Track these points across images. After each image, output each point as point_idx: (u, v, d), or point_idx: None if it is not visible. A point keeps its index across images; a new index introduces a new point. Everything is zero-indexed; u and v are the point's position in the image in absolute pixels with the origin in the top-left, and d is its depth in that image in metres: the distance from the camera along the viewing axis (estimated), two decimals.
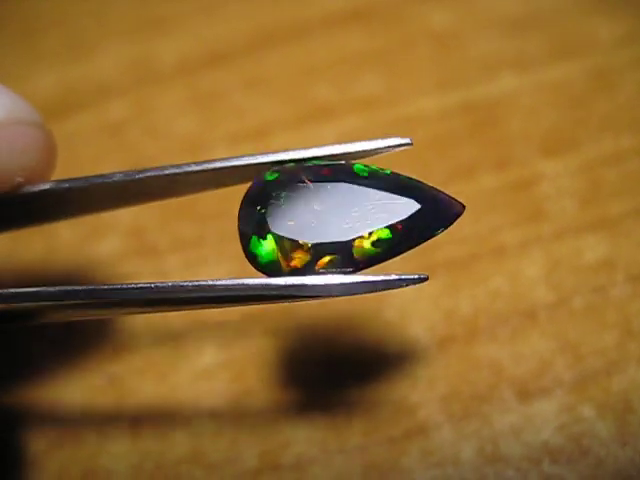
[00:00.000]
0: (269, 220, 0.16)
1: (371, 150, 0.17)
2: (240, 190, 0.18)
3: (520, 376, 0.23)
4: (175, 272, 0.26)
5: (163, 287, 0.16)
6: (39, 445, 0.23)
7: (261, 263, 0.16)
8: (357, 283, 0.16)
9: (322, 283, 0.16)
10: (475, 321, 0.24)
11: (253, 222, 0.16)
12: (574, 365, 0.23)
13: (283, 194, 0.16)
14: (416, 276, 0.16)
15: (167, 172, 0.18)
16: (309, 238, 0.16)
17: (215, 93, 0.30)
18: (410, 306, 0.25)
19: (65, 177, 0.18)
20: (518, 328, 0.24)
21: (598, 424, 0.22)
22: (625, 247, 0.25)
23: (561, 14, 0.31)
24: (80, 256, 0.27)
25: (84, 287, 0.17)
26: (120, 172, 0.18)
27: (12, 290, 0.17)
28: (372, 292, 0.16)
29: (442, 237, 0.25)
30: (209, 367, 0.24)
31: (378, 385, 0.23)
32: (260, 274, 0.17)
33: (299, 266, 0.16)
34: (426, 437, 0.23)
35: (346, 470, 0.22)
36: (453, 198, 0.17)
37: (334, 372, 0.24)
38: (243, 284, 0.16)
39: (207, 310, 0.25)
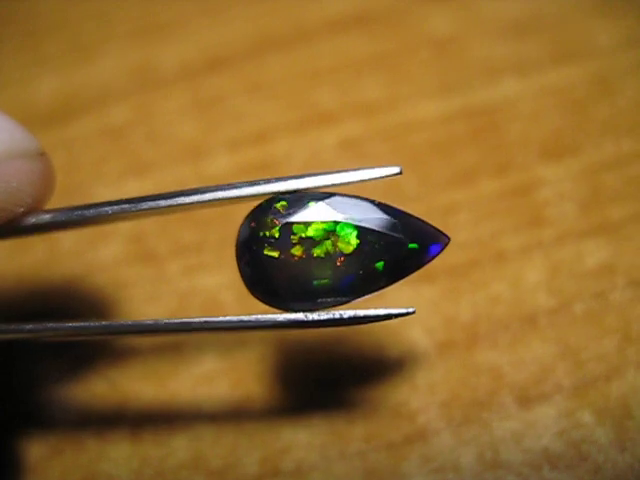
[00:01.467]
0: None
1: (361, 181, 0.17)
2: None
3: (520, 382, 0.23)
4: (175, 277, 0.26)
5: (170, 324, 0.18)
6: (40, 451, 0.23)
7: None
8: (349, 318, 0.17)
9: (322, 319, 0.17)
10: (475, 327, 0.24)
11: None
12: (574, 371, 0.23)
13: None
14: (404, 310, 0.18)
15: (162, 204, 0.18)
16: None
17: (216, 98, 0.30)
18: None
19: (60, 206, 0.18)
20: (518, 334, 0.24)
21: (597, 430, 0.22)
22: (626, 252, 0.25)
23: (562, 18, 0.31)
24: (81, 261, 0.27)
25: (90, 324, 0.18)
26: (116, 204, 0.18)
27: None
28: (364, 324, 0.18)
29: None
30: (209, 372, 0.24)
31: (378, 390, 0.23)
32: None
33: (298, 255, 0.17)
34: (426, 443, 0.23)
35: (346, 476, 0.22)
36: (439, 230, 0.18)
37: (334, 377, 0.24)
38: (245, 321, 0.17)
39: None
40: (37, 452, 0.23)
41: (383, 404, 0.23)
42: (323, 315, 0.17)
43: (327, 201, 0.17)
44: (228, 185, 0.17)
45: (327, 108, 0.30)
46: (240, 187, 0.17)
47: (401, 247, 0.17)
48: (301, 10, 0.32)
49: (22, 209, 0.18)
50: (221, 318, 0.17)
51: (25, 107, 0.31)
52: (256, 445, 0.23)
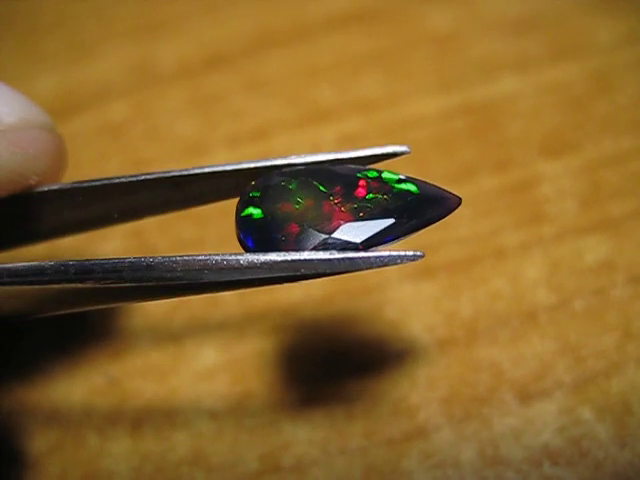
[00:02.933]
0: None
1: (370, 157, 0.17)
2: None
3: (520, 378, 0.23)
4: None
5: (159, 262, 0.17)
6: (40, 447, 0.23)
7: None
8: (359, 258, 0.16)
9: (325, 258, 0.16)
10: (475, 323, 0.24)
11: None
12: (574, 367, 0.23)
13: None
14: (411, 253, 0.16)
15: (170, 175, 0.18)
16: None
17: (216, 95, 0.30)
18: (410, 307, 0.25)
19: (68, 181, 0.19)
20: (518, 330, 0.24)
21: (597, 426, 0.22)
22: (626, 248, 0.25)
23: (561, 15, 0.31)
24: (80, 257, 0.26)
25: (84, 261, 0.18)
26: (123, 175, 0.18)
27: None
28: (370, 268, 0.16)
29: (442, 238, 0.26)
30: (209, 368, 0.24)
31: (378, 386, 0.23)
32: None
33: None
34: (426, 439, 0.23)
35: (346, 472, 0.22)
36: (451, 192, 0.17)
37: (334, 373, 0.24)
38: (250, 260, 0.16)
39: (207, 310, 0.25)
40: (38, 448, 0.23)
41: (383, 400, 0.23)
42: (335, 254, 0.16)
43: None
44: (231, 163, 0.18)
45: (326, 105, 0.30)
46: (242, 163, 0.18)
47: (409, 197, 0.16)
48: (300, 7, 0.32)
49: (37, 178, 0.18)
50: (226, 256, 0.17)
51: None
52: (256, 441, 0.23)
